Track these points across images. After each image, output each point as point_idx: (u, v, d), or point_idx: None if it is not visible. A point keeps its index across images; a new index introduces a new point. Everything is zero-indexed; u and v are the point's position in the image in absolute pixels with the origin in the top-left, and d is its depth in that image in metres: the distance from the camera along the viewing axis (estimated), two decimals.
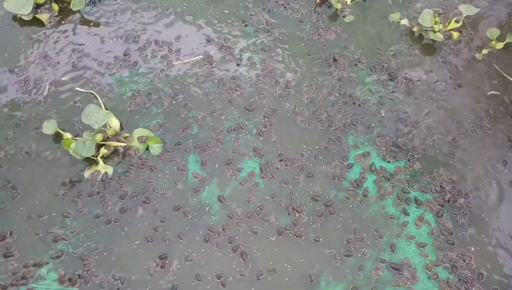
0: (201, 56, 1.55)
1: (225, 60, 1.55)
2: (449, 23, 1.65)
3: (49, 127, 1.33)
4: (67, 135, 1.34)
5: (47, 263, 1.19)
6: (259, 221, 1.27)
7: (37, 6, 1.60)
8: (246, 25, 1.62)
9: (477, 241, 1.27)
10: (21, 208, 1.26)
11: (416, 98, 1.52)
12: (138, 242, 1.22)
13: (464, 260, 1.24)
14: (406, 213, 1.31)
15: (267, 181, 1.33)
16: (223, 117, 1.44)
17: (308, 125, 1.44)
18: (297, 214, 1.28)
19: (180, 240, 1.23)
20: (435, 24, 1.62)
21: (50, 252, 1.20)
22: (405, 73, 1.57)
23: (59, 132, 1.35)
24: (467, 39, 1.66)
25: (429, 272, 1.22)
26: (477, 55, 1.62)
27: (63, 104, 1.44)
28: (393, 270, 1.22)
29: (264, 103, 1.47)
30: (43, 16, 1.57)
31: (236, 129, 1.41)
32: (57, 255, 1.20)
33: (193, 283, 1.18)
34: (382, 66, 1.58)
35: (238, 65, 1.54)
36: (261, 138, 1.40)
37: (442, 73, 1.58)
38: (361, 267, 1.22)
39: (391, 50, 1.62)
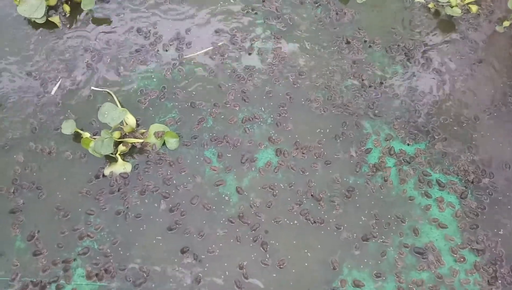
0: (212, 48, 1.54)
1: (237, 50, 1.54)
2: None
3: (68, 128, 1.36)
4: (86, 134, 1.36)
5: (75, 259, 1.22)
6: (279, 210, 1.27)
7: (49, 9, 1.62)
8: (256, 13, 1.60)
9: (503, 221, 1.24)
10: (47, 207, 1.30)
11: (435, 77, 1.48)
12: (160, 235, 1.25)
13: (491, 242, 1.21)
14: (428, 196, 1.28)
15: (284, 170, 1.33)
16: (237, 108, 1.43)
17: (324, 111, 1.42)
18: (316, 202, 1.27)
19: (201, 233, 1.24)
20: None
21: (77, 249, 1.24)
22: (423, 52, 1.52)
23: (78, 132, 1.38)
24: (486, 12, 1.59)
25: (454, 255, 1.20)
26: (497, 28, 1.55)
27: (80, 104, 1.46)
28: (417, 254, 1.20)
29: (277, 91, 1.46)
30: (56, 19, 1.59)
31: (251, 120, 1.41)
32: (84, 251, 1.23)
33: (216, 274, 1.19)
34: (398, 46, 1.53)
35: (249, 54, 1.53)
36: (276, 127, 1.39)
37: (462, 49, 1.53)
38: (384, 253, 1.20)
39: (406, 29, 1.57)
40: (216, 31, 1.58)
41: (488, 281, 1.17)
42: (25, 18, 1.61)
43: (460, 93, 1.44)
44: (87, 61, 1.54)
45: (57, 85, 1.48)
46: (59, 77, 1.50)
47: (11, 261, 1.22)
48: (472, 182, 1.29)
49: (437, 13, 1.60)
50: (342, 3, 1.63)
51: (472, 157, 1.33)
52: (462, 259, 1.19)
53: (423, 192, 1.29)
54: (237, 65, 1.51)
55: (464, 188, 1.29)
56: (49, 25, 1.61)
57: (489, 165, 1.32)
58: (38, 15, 1.54)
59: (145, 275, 1.20)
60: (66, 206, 1.29)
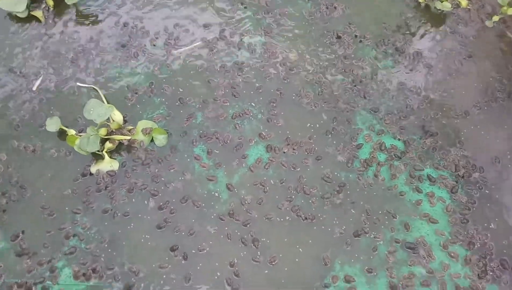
0: (201, 43, 1.52)
1: (226, 45, 1.51)
2: None
3: (53, 125, 1.32)
4: (71, 132, 1.33)
5: (61, 259, 1.20)
6: (269, 207, 1.25)
7: (32, 2, 1.57)
8: (245, 7, 1.57)
9: (493, 216, 1.24)
10: (31, 207, 1.26)
11: (425, 72, 1.47)
12: (149, 234, 1.22)
13: (481, 236, 1.21)
14: (419, 191, 1.28)
15: (275, 166, 1.31)
16: (227, 104, 1.41)
17: (315, 106, 1.40)
18: (307, 198, 1.26)
19: (191, 231, 1.22)
20: None
21: (63, 248, 1.21)
22: (413, 47, 1.52)
23: (63, 129, 1.34)
24: (476, 6, 1.59)
25: (445, 250, 1.20)
26: (487, 23, 1.55)
27: (65, 100, 1.42)
28: (408, 249, 1.20)
29: (268, 87, 1.44)
30: (38, 13, 1.54)
31: (241, 115, 1.39)
32: (70, 251, 1.20)
33: (206, 272, 1.17)
34: (389, 40, 1.52)
35: (239, 49, 1.50)
36: (267, 123, 1.38)
37: (452, 44, 1.52)
38: (375, 248, 1.20)
39: (396, 24, 1.56)
40: (204, 26, 1.55)
41: (478, 274, 1.17)
42: (6, 13, 1.56)
43: (450, 88, 1.44)
44: (72, 56, 1.50)
45: (39, 80, 1.44)
46: (41, 72, 1.46)
47: None
48: (463, 177, 1.30)
49: (427, 7, 1.59)
50: None
51: (462, 151, 1.33)
52: (452, 254, 1.19)
53: (414, 187, 1.28)
54: (227, 60, 1.49)
55: (454, 182, 1.29)
56: (31, 19, 1.56)
57: (479, 159, 1.32)
58: (20, 8, 1.49)
59: (134, 274, 1.17)
60: (52, 205, 1.26)
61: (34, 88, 1.42)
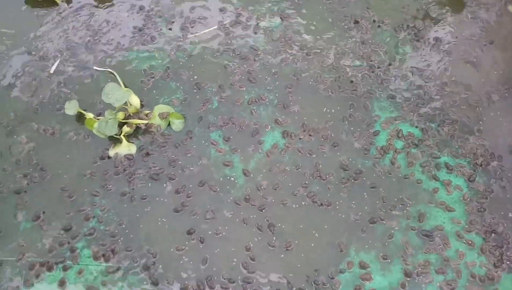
0: (217, 27, 1.51)
1: (242, 29, 1.50)
2: None
3: (71, 108, 1.34)
4: (90, 115, 1.34)
5: (81, 240, 1.22)
6: (285, 193, 1.26)
7: None
8: None
9: (511, 205, 1.23)
10: (51, 188, 1.29)
11: (444, 58, 1.45)
12: (166, 217, 1.24)
13: (498, 225, 1.21)
14: (436, 179, 1.27)
15: (291, 152, 1.31)
16: (243, 89, 1.40)
17: (332, 92, 1.39)
18: (323, 184, 1.27)
19: (207, 215, 1.24)
20: None
21: (83, 230, 1.24)
22: (432, 32, 1.49)
23: (81, 112, 1.36)
24: None
25: (461, 238, 1.20)
26: (510, 8, 1.51)
27: (82, 84, 1.43)
28: (424, 237, 1.20)
29: (284, 72, 1.43)
30: None
31: (257, 101, 1.38)
32: (90, 232, 1.23)
33: (222, 256, 1.19)
34: (408, 26, 1.49)
35: (255, 33, 1.49)
36: (283, 109, 1.37)
37: (472, 29, 1.49)
38: (391, 235, 1.20)
39: (416, 9, 1.53)
40: (220, 10, 1.54)
41: (494, 263, 1.17)
42: None
43: (469, 75, 1.42)
44: (88, 40, 1.50)
45: (56, 63, 1.45)
46: (59, 56, 1.47)
47: (17, 241, 1.22)
48: (481, 165, 1.28)
49: None
50: None
51: (481, 140, 1.32)
52: (469, 242, 1.19)
53: (431, 175, 1.28)
54: (243, 44, 1.48)
55: (472, 171, 1.28)
56: (48, 2, 1.56)
57: (498, 148, 1.30)
58: None
59: (152, 256, 1.20)
60: (71, 187, 1.28)
61: (52, 71, 1.44)
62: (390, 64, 1.44)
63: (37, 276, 1.18)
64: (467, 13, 1.52)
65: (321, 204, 1.24)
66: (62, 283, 1.17)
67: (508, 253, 1.18)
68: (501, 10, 1.52)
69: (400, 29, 1.49)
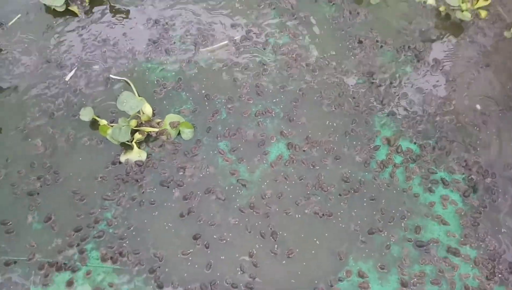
0: (228, 42, 1.58)
1: (252, 45, 1.58)
2: (477, 1, 1.62)
3: (86, 114, 1.40)
4: (103, 122, 1.40)
5: (90, 242, 1.27)
6: (288, 202, 1.31)
7: None
8: (274, 8, 1.63)
9: (504, 220, 1.29)
10: (63, 191, 1.33)
11: (443, 78, 1.52)
12: (173, 223, 1.29)
13: (491, 239, 1.26)
14: (432, 193, 1.33)
15: (295, 163, 1.37)
16: (251, 101, 1.47)
17: (335, 108, 1.46)
18: (325, 195, 1.32)
19: (213, 221, 1.29)
20: (462, 2, 1.59)
21: (92, 232, 1.28)
22: (432, 54, 1.56)
23: (96, 119, 1.41)
24: (495, 17, 1.63)
25: (456, 251, 1.25)
26: (505, 33, 1.59)
27: (97, 92, 1.49)
28: (420, 248, 1.25)
29: (290, 87, 1.50)
30: (75, 7, 1.62)
31: (264, 113, 1.45)
32: (99, 235, 1.28)
33: (226, 262, 1.24)
34: (409, 47, 1.57)
35: (264, 49, 1.56)
36: (288, 122, 1.44)
37: (470, 52, 1.57)
38: (388, 246, 1.25)
39: (417, 31, 1.61)
40: (232, 26, 1.61)
41: (486, 276, 1.22)
42: (45, 6, 1.64)
43: (466, 95, 1.49)
44: (105, 50, 1.57)
45: (72, 72, 1.51)
46: (75, 64, 1.54)
47: (28, 241, 1.26)
48: (475, 182, 1.34)
49: (447, 16, 1.64)
50: (356, 3, 1.66)
51: (476, 157, 1.38)
52: (462, 255, 1.25)
53: (427, 189, 1.34)
54: (252, 59, 1.55)
55: (467, 187, 1.34)
56: (68, 13, 1.63)
57: (492, 165, 1.37)
58: (58, 3, 1.57)
59: (158, 260, 1.24)
60: (83, 191, 1.33)
61: (67, 79, 1.50)
62: (391, 83, 1.51)
63: (46, 276, 1.22)
64: (465, 37, 1.60)
65: (323, 214, 1.29)
66: (70, 283, 1.21)
67: (500, 267, 1.23)
68: (497, 35, 1.60)
69: (402, 50, 1.57)
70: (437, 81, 1.52)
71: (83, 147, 1.40)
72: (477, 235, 1.27)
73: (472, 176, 1.35)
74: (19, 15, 1.61)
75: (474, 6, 1.62)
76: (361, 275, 1.22)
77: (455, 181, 1.35)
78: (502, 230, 1.28)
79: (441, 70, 1.54)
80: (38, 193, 1.33)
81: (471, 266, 1.23)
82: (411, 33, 1.60)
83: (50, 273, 1.23)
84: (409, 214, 1.30)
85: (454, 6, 1.60)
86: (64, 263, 1.24)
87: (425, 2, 1.64)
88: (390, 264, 1.24)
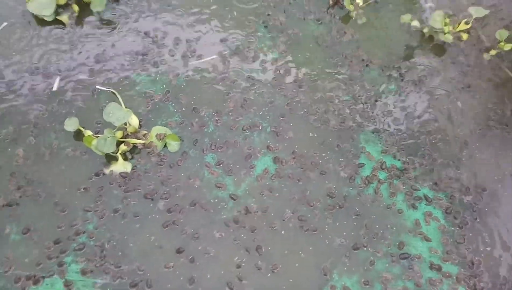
0: (217, 56, 1.59)
1: (240, 59, 1.59)
2: (459, 24, 1.68)
3: (71, 125, 1.38)
4: (88, 132, 1.38)
5: (69, 255, 1.24)
6: (274, 216, 1.31)
7: (58, 7, 1.64)
8: (265, 26, 1.65)
9: (484, 237, 1.31)
10: (44, 202, 1.31)
11: (426, 98, 1.56)
12: (157, 235, 1.27)
13: (472, 255, 1.28)
14: (415, 210, 1.35)
15: (281, 178, 1.38)
16: (238, 115, 1.48)
17: (321, 123, 1.48)
18: (310, 210, 1.32)
19: (197, 234, 1.28)
20: (445, 25, 1.65)
21: (73, 244, 1.25)
22: (416, 73, 1.61)
23: (80, 129, 1.40)
24: (476, 40, 1.69)
25: (437, 267, 1.26)
26: (485, 56, 1.65)
27: (83, 102, 1.48)
28: (403, 264, 1.26)
29: (278, 102, 1.51)
30: (64, 17, 1.61)
31: (251, 127, 1.46)
32: (79, 247, 1.25)
33: (210, 276, 1.22)
34: (393, 66, 1.61)
35: (252, 64, 1.58)
36: (275, 136, 1.45)
37: (452, 73, 1.62)
38: (372, 262, 1.26)
39: (402, 51, 1.66)
40: (221, 40, 1.63)
41: None
42: (33, 15, 1.63)
43: (449, 114, 1.53)
44: (93, 60, 1.57)
45: (57, 81, 1.50)
46: (61, 74, 1.53)
47: (5, 253, 1.22)
48: (457, 199, 1.37)
49: (431, 38, 1.69)
50: (343, 23, 1.70)
51: (457, 175, 1.41)
52: (444, 271, 1.26)
53: (411, 205, 1.36)
54: (240, 74, 1.56)
55: (449, 204, 1.36)
56: (56, 23, 1.63)
57: (473, 184, 1.40)
58: (47, 12, 1.56)
59: (140, 274, 1.22)
60: (64, 202, 1.31)
61: (55, 88, 1.48)
62: (376, 100, 1.54)
63: (23, 289, 1.19)
64: (447, 58, 1.65)
65: (308, 229, 1.30)
66: None
67: (481, 284, 1.24)
68: (478, 57, 1.66)
69: (387, 69, 1.61)
70: (421, 99, 1.56)
71: (66, 158, 1.38)
72: (458, 252, 1.29)
73: (454, 194, 1.38)
74: (5, 23, 1.60)
75: (456, 29, 1.68)
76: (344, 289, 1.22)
77: (437, 198, 1.37)
78: (484, 246, 1.30)
79: (424, 89, 1.58)
80: (17, 204, 1.30)
81: (453, 282, 1.24)
82: (396, 53, 1.65)
83: (27, 287, 1.19)
84: (393, 230, 1.31)
85: (437, 29, 1.65)
86: (42, 276, 1.21)
87: (410, 24, 1.70)
88: (374, 280, 1.24)
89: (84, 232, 1.27)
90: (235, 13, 1.69)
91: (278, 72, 1.57)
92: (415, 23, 1.69)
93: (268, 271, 1.24)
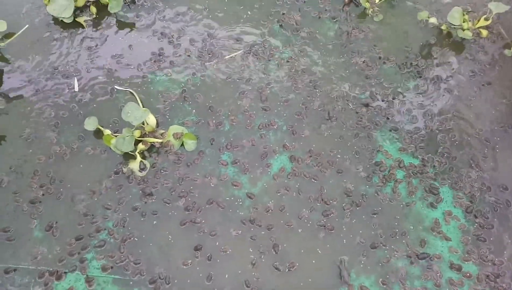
0: (233, 55, 1.60)
1: (256, 59, 1.60)
2: (478, 21, 1.65)
3: (91, 124, 1.41)
4: (107, 132, 1.41)
5: (90, 251, 1.26)
6: (290, 215, 1.31)
7: (77, 9, 1.68)
8: (280, 25, 1.66)
9: (506, 236, 1.28)
10: (66, 200, 1.34)
11: (444, 95, 1.54)
12: (175, 233, 1.29)
13: (494, 255, 1.25)
14: (435, 209, 1.33)
15: (297, 176, 1.37)
16: (254, 114, 1.48)
17: (338, 122, 1.47)
18: (327, 208, 1.32)
19: (214, 232, 1.29)
20: (464, 22, 1.62)
21: (93, 241, 1.28)
22: (434, 71, 1.58)
23: (100, 129, 1.43)
24: (496, 36, 1.66)
25: (457, 267, 1.24)
26: (506, 52, 1.62)
27: (102, 102, 1.51)
28: (422, 264, 1.25)
29: (294, 100, 1.51)
30: (82, 19, 1.65)
31: (267, 126, 1.46)
32: (100, 244, 1.27)
33: (227, 273, 1.23)
34: (411, 64, 1.59)
35: (268, 63, 1.59)
36: (291, 135, 1.45)
37: (471, 70, 1.59)
38: (390, 261, 1.25)
39: (419, 48, 1.63)
40: (237, 40, 1.64)
41: None
42: (52, 17, 1.67)
43: (468, 112, 1.50)
44: (110, 61, 1.59)
45: (77, 82, 1.53)
46: (81, 74, 1.56)
47: (29, 250, 1.25)
48: (477, 198, 1.34)
49: (449, 35, 1.67)
50: (359, 20, 1.69)
51: (478, 173, 1.38)
52: (465, 271, 1.24)
53: (430, 204, 1.34)
54: (256, 73, 1.57)
55: (469, 203, 1.34)
56: (75, 25, 1.66)
57: (494, 182, 1.37)
58: (67, 14, 1.60)
59: (159, 270, 1.23)
60: (85, 200, 1.33)
61: (76, 89, 1.52)
62: (394, 98, 1.53)
63: (46, 284, 1.22)
64: (466, 55, 1.63)
65: (325, 228, 1.29)
66: None
67: (503, 285, 1.22)
68: (498, 53, 1.63)
69: (404, 66, 1.59)
70: (439, 97, 1.53)
71: (86, 156, 1.41)
72: (479, 252, 1.27)
73: (475, 193, 1.35)
74: (27, 26, 1.64)
75: (475, 26, 1.65)
76: (362, 289, 1.21)
77: (457, 197, 1.35)
78: (506, 246, 1.27)
79: (443, 87, 1.56)
80: (40, 202, 1.33)
81: (474, 282, 1.22)
82: (413, 51, 1.63)
83: (50, 282, 1.22)
84: (411, 229, 1.30)
85: (455, 25, 1.63)
86: (65, 272, 1.24)
87: (427, 21, 1.68)
88: (392, 279, 1.23)
89: (104, 229, 1.29)
90: (249, 12, 1.69)
91: (293, 70, 1.57)
92: (433, 20, 1.66)
93: (285, 269, 1.24)
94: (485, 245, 1.27)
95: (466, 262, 1.25)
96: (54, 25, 1.67)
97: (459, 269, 1.24)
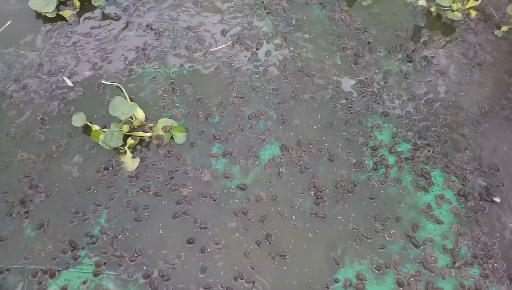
0: (221, 46, 1.58)
1: (244, 48, 1.58)
2: (468, 1, 1.63)
3: (78, 120, 1.39)
4: (96, 127, 1.39)
5: (83, 248, 1.26)
6: (283, 204, 1.31)
7: (60, 3, 1.64)
8: (268, 12, 1.63)
9: (498, 219, 1.29)
10: (56, 197, 1.33)
11: (435, 79, 1.53)
12: (167, 227, 1.28)
13: (486, 237, 1.26)
14: (427, 193, 1.33)
15: (289, 165, 1.37)
16: (243, 104, 1.47)
17: (327, 109, 1.46)
18: (319, 196, 1.32)
19: (207, 224, 1.28)
20: (453, 3, 1.60)
21: (86, 238, 1.27)
22: (424, 54, 1.57)
23: (88, 124, 1.41)
24: (486, 16, 1.64)
25: (450, 250, 1.25)
26: (496, 32, 1.60)
27: (89, 97, 1.49)
28: (414, 248, 1.25)
29: (283, 89, 1.50)
30: (66, 13, 1.62)
31: (257, 116, 1.45)
32: (92, 241, 1.27)
33: (221, 265, 1.23)
34: (401, 47, 1.58)
35: (256, 52, 1.56)
36: (281, 124, 1.43)
37: (461, 52, 1.58)
38: (384, 247, 1.25)
39: (409, 31, 1.62)
40: (224, 30, 1.62)
41: (482, 275, 1.22)
42: (35, 13, 1.64)
43: (459, 95, 1.49)
44: (96, 55, 1.57)
45: (65, 77, 1.51)
46: (65, 70, 1.53)
47: (21, 249, 1.25)
48: (470, 181, 1.34)
49: (438, 17, 1.65)
50: (348, 5, 1.67)
51: (470, 156, 1.38)
52: (458, 254, 1.24)
53: (422, 188, 1.34)
54: (245, 63, 1.55)
55: (461, 186, 1.34)
56: (59, 19, 1.63)
57: (486, 165, 1.37)
58: (49, 9, 1.57)
59: (152, 265, 1.23)
60: (76, 197, 1.32)
61: (70, 84, 1.49)
62: (384, 83, 1.51)
63: (40, 283, 1.21)
64: (457, 36, 1.61)
65: (317, 216, 1.29)
66: None
67: (495, 265, 1.23)
68: (488, 35, 1.61)
69: (394, 50, 1.58)
70: (429, 81, 1.52)
71: (75, 153, 1.39)
72: (471, 234, 1.27)
73: (466, 175, 1.35)
74: (9, 22, 1.60)
75: (465, 6, 1.63)
76: (357, 276, 1.21)
77: (449, 180, 1.35)
78: (498, 227, 1.28)
79: (433, 69, 1.54)
80: (30, 200, 1.32)
81: (467, 264, 1.23)
82: (402, 34, 1.61)
83: (44, 281, 1.21)
84: (404, 214, 1.30)
85: (445, 7, 1.61)
86: (58, 270, 1.23)
87: (416, 3, 1.65)
88: (386, 264, 1.23)
89: (96, 226, 1.29)
90: (237, 1, 1.66)
91: (281, 58, 1.55)
92: (422, 2, 1.64)
93: (279, 258, 1.24)
94: (477, 227, 1.28)
95: (459, 245, 1.26)
96: (37, 19, 1.64)
97: (452, 251, 1.25)
